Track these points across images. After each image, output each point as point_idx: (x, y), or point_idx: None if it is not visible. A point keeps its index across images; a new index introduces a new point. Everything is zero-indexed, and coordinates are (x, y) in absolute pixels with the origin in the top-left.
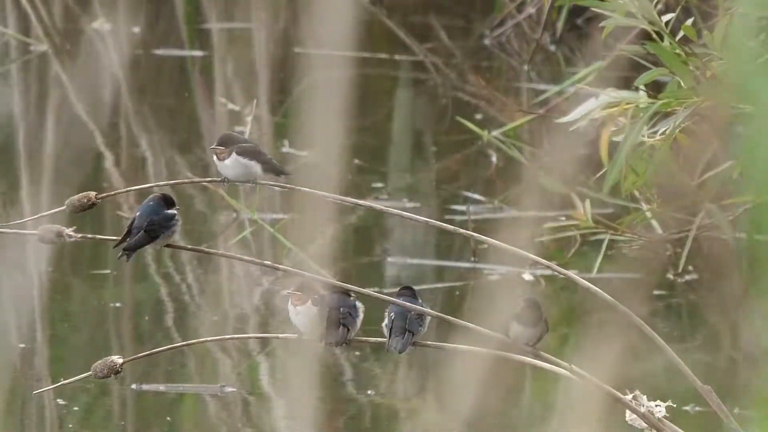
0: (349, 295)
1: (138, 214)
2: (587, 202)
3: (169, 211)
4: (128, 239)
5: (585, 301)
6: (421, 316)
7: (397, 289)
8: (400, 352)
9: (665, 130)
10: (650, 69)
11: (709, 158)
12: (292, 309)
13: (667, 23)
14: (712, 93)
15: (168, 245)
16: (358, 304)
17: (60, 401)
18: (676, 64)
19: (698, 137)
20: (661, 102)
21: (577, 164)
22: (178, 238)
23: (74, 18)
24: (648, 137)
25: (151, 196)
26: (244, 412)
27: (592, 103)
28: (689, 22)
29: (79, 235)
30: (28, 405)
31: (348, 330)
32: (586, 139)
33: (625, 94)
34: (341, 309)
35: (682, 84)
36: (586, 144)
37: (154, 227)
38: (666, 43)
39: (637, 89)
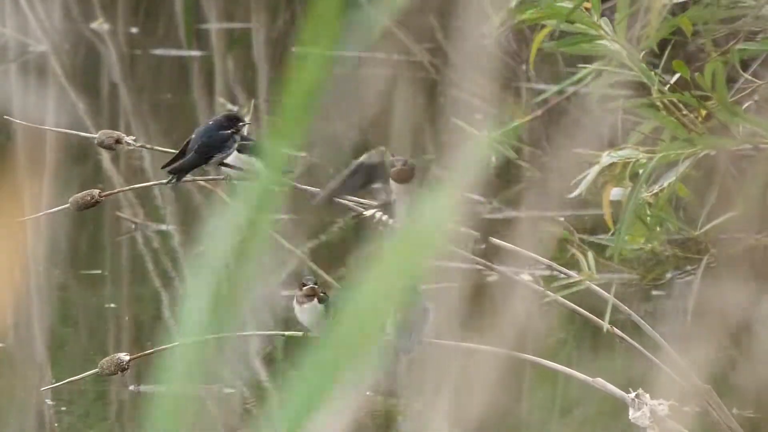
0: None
1: (193, 136)
2: (590, 257)
3: (225, 132)
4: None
5: (585, 301)
6: (425, 312)
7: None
8: (406, 352)
9: (664, 184)
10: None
11: (711, 206)
12: (297, 306)
13: (656, 71)
14: (709, 142)
15: (222, 164)
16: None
17: (57, 403)
18: (666, 121)
19: (698, 187)
20: (659, 156)
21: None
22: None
23: (73, 18)
24: (646, 193)
25: (214, 117)
26: (243, 413)
27: (595, 170)
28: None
29: (138, 144)
30: (24, 408)
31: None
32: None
33: (624, 152)
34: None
35: (677, 136)
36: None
37: (207, 148)
38: (656, 91)
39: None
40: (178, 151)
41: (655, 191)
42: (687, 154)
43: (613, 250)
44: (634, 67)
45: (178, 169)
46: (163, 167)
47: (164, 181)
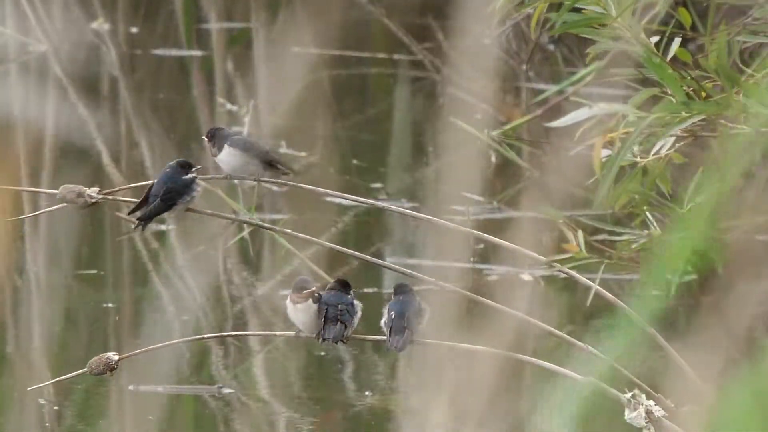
0: (347, 292)
1: (155, 181)
2: (580, 234)
3: (187, 177)
4: (144, 208)
5: (585, 301)
6: (419, 312)
7: (393, 288)
8: (399, 351)
9: (659, 150)
10: (645, 79)
11: (699, 179)
12: (291, 306)
13: (657, 45)
14: (704, 108)
15: (189, 209)
16: (356, 301)
17: (56, 403)
18: (668, 79)
19: (691, 157)
20: (653, 116)
21: (573, 185)
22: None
23: (73, 18)
24: (641, 157)
25: (168, 163)
26: (242, 413)
27: (583, 113)
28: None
29: (100, 196)
30: (23, 407)
31: (345, 327)
32: (582, 157)
33: (617, 107)
34: (338, 306)
35: (674, 99)
36: (583, 162)
37: (171, 194)
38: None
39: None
40: (140, 199)
41: (651, 157)
42: (681, 117)
43: (597, 198)
44: (635, 43)
45: (144, 217)
46: (129, 213)
47: (131, 228)
